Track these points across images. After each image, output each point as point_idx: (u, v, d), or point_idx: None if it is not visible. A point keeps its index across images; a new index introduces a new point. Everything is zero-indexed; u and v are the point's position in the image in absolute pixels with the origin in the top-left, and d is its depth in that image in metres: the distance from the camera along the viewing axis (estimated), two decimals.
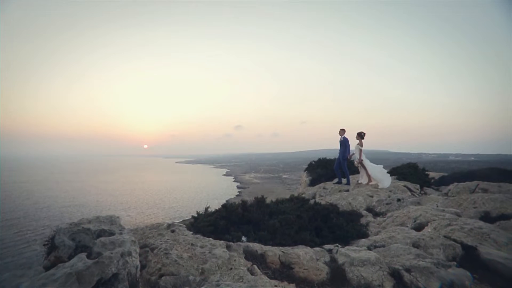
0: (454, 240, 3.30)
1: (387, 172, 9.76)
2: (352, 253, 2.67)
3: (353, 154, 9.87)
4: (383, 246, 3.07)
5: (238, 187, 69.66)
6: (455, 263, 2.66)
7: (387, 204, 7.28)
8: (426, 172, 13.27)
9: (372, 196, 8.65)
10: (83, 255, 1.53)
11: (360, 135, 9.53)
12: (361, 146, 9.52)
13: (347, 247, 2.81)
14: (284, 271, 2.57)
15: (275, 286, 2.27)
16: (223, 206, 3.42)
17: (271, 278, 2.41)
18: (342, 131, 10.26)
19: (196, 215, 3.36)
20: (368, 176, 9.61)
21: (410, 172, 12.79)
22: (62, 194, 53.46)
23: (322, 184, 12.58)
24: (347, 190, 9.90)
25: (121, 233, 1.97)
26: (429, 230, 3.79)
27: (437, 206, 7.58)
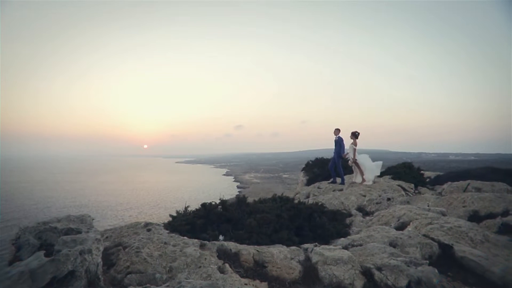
0: (432, 239, 3.33)
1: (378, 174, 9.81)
2: (326, 252, 2.69)
3: (348, 153, 9.90)
4: (361, 245, 3.10)
5: (238, 187, 69.66)
6: (427, 261, 2.68)
7: (377, 203, 7.31)
8: (421, 172, 13.27)
9: (364, 196, 8.67)
10: (41, 253, 1.56)
11: (354, 135, 9.56)
12: (355, 145, 9.54)
13: (322, 246, 2.84)
14: (257, 269, 2.60)
15: (245, 284, 2.30)
16: (202, 205, 3.45)
17: (242, 277, 2.44)
18: (337, 131, 10.29)
19: (175, 215, 3.39)
20: (362, 175, 9.64)
21: (405, 171, 12.78)
22: (63, 195, 53.52)
23: (317, 184, 12.61)
24: (341, 190, 9.93)
25: (87, 232, 2.00)
26: (410, 229, 3.81)
27: (428, 206, 7.61)
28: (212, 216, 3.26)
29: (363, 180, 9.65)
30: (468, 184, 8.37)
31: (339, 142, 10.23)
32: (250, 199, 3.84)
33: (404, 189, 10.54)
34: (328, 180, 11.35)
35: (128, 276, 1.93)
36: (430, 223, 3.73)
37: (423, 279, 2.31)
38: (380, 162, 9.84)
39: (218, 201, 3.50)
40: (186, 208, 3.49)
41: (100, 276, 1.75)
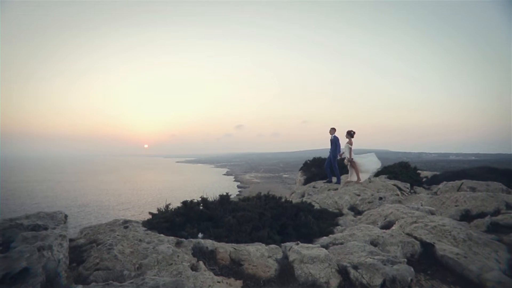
0: (415, 238, 3.30)
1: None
2: (304, 251, 2.67)
3: (343, 152, 9.86)
4: (342, 243, 3.07)
5: (238, 187, 69.63)
6: (405, 260, 2.66)
7: (369, 202, 7.29)
8: (418, 171, 13.24)
9: (358, 195, 8.65)
10: None
11: (350, 134, 9.52)
12: (351, 144, 9.50)
13: (301, 244, 2.82)
14: (233, 267, 2.58)
15: (218, 282, 2.28)
16: (183, 202, 3.44)
17: (217, 275, 2.42)
18: (333, 130, 10.27)
19: (156, 212, 3.37)
20: (358, 175, 9.62)
21: (401, 171, 12.74)
22: (64, 194, 53.60)
23: (312, 183, 12.59)
24: (336, 189, 9.90)
25: (54, 228, 1.98)
26: (395, 227, 3.79)
27: (422, 205, 7.59)
28: (192, 214, 3.25)
29: (358, 179, 9.62)
30: (462, 184, 8.34)
31: (335, 142, 10.21)
32: None
33: (400, 189, 10.51)
34: (326, 179, 11.33)
35: (95, 273, 1.92)
36: (415, 222, 3.70)
37: (398, 277, 2.29)
38: (373, 153, 9.80)
39: (198, 199, 3.49)
40: (167, 206, 3.48)
41: (61, 273, 1.73)
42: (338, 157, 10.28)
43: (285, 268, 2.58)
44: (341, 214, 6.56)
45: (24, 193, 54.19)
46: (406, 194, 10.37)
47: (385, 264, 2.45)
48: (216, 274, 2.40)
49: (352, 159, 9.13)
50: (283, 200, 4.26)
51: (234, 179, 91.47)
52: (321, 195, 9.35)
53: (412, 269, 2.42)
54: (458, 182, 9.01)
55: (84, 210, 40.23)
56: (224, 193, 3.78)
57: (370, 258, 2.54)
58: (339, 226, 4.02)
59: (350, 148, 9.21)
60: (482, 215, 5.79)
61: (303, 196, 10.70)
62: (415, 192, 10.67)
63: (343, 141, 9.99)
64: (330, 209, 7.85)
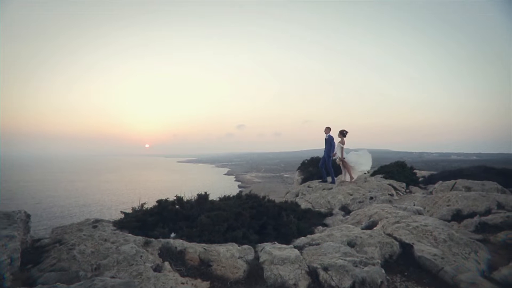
0: (395, 238, 3.23)
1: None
2: (276, 251, 2.60)
3: (336, 152, 9.78)
4: (318, 244, 3.00)
5: (239, 187, 69.59)
6: (379, 261, 2.58)
7: (359, 202, 7.22)
8: (414, 171, 13.14)
9: (352, 195, 8.57)
10: None
11: (342, 133, 9.44)
12: (343, 144, 9.42)
13: (273, 245, 2.75)
14: (201, 268, 2.51)
15: (182, 283, 2.22)
16: (157, 201, 3.37)
17: (183, 276, 2.35)
18: (328, 129, 10.19)
19: (129, 211, 3.32)
20: (350, 174, 9.54)
21: (398, 170, 12.66)
22: (65, 194, 53.67)
23: (308, 183, 12.52)
24: (331, 189, 9.83)
25: (5, 228, 1.93)
26: (378, 228, 3.71)
27: (414, 205, 7.52)
28: (166, 213, 3.19)
29: (351, 178, 9.54)
30: (455, 183, 8.26)
31: (329, 141, 10.12)
32: None
33: (395, 188, 10.43)
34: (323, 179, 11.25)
35: (47, 274, 1.86)
36: (397, 222, 3.63)
37: (368, 279, 2.22)
38: (365, 150, 9.72)
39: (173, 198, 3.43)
40: (142, 205, 3.42)
41: (5, 275, 1.67)
42: (333, 157, 10.20)
43: (255, 269, 2.51)
44: (331, 214, 6.49)
45: (26, 192, 54.33)
46: (402, 194, 10.29)
47: (356, 266, 2.38)
48: (182, 275, 2.33)
49: (344, 158, 9.05)
50: (266, 199, 4.19)
51: (235, 179, 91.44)
52: (314, 195, 9.28)
53: (383, 271, 2.35)
54: (452, 182, 8.93)
55: (85, 210, 40.25)
56: (203, 192, 3.72)
57: (342, 259, 2.46)
58: (320, 227, 3.95)
59: (342, 148, 9.12)
60: (473, 214, 5.71)
61: (297, 195, 10.63)
62: (410, 192, 10.58)
63: (337, 141, 9.91)
64: (323, 209, 7.78)
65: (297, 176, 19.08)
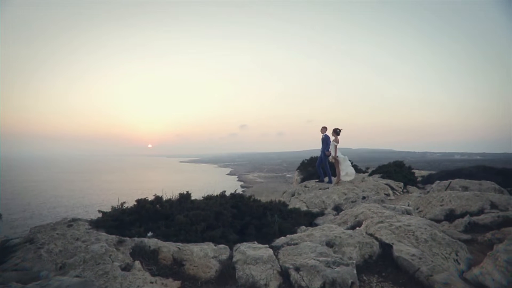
0: (376, 238, 3.19)
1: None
2: (250, 251, 2.58)
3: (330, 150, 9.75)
4: (296, 244, 2.96)
5: (241, 187, 69.60)
6: (353, 262, 2.54)
7: (352, 202, 7.17)
8: (412, 171, 13.04)
9: (346, 194, 8.54)
10: None
11: (336, 132, 9.39)
12: (337, 142, 9.37)
13: (249, 244, 2.72)
14: (174, 268, 2.49)
15: (151, 283, 2.20)
16: (137, 201, 3.36)
17: (154, 275, 2.34)
18: (324, 129, 10.16)
19: (107, 211, 3.31)
20: (338, 174, 9.52)
21: (395, 170, 12.56)
22: (68, 194, 53.96)
23: (305, 182, 12.50)
24: (327, 188, 9.80)
25: None
26: (362, 227, 3.67)
27: (408, 205, 7.46)
28: (144, 212, 3.17)
29: (338, 178, 9.54)
30: (450, 183, 8.18)
31: (325, 141, 10.10)
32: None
33: (392, 188, 10.36)
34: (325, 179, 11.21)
35: (7, 274, 1.85)
36: (381, 222, 3.58)
37: (338, 280, 2.18)
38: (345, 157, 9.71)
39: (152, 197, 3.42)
40: (122, 204, 3.41)
41: None
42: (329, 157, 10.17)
43: (227, 269, 2.49)
44: (322, 214, 6.44)
45: (30, 192, 54.73)
46: (399, 194, 10.22)
47: (329, 266, 2.35)
48: (152, 275, 2.31)
49: (337, 157, 9.00)
50: (251, 199, 4.17)
51: (237, 179, 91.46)
52: (309, 195, 9.25)
53: (354, 272, 2.31)
54: (448, 181, 8.86)
55: (90, 210, 40.40)
56: (185, 192, 3.70)
57: (314, 259, 2.43)
58: (303, 226, 3.91)
59: (336, 146, 9.08)
60: (466, 214, 5.65)
61: (293, 195, 10.61)
62: (408, 192, 10.50)
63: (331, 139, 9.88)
64: (316, 209, 7.75)
65: (296, 176, 19.05)
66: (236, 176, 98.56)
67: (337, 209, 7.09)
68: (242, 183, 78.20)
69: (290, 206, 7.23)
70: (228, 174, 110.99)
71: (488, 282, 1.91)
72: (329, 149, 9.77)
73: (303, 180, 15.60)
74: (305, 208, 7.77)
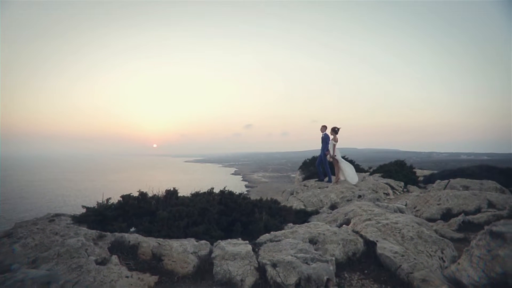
0: (361, 236, 3.15)
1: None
2: (229, 247, 2.56)
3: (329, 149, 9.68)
4: (279, 240, 2.94)
5: (246, 186, 69.54)
6: (333, 258, 2.51)
7: (348, 200, 7.11)
8: (414, 170, 12.91)
9: (343, 193, 8.48)
10: None
11: (334, 130, 9.32)
12: (335, 141, 9.31)
13: (229, 240, 2.71)
14: (152, 262, 2.49)
15: (126, 277, 2.20)
16: (122, 196, 3.37)
17: (131, 270, 2.33)
18: (324, 128, 10.10)
19: (91, 206, 3.32)
20: (337, 174, 9.44)
21: (396, 169, 12.45)
22: (75, 193, 54.56)
23: (304, 182, 12.46)
24: (326, 187, 9.74)
25: None
26: (350, 225, 3.63)
27: (406, 204, 7.39)
28: (128, 208, 3.18)
29: (337, 178, 9.45)
30: (449, 182, 8.07)
31: (325, 140, 10.03)
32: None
33: (392, 187, 10.28)
34: (325, 178, 11.16)
35: None
36: (369, 220, 3.53)
37: (313, 276, 2.15)
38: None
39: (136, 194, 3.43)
40: (107, 200, 3.42)
41: None
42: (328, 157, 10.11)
43: (205, 264, 2.48)
44: (317, 212, 6.40)
45: (37, 192, 55.46)
46: (399, 193, 10.13)
47: (306, 263, 2.32)
48: (129, 269, 2.31)
49: (335, 155, 8.93)
50: (241, 196, 4.16)
51: (242, 179, 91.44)
52: (306, 193, 9.20)
53: (331, 268, 2.28)
54: (452, 181, 8.75)
55: None
56: (171, 188, 3.71)
57: (292, 256, 2.41)
58: (291, 224, 3.88)
59: (334, 145, 9.01)
60: (462, 213, 5.58)
61: (292, 194, 10.58)
62: (408, 191, 10.41)
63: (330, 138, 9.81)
64: (313, 207, 7.70)
65: (298, 175, 18.98)
66: (241, 176, 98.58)
67: (333, 207, 7.04)
68: (246, 182, 78.19)
69: (288, 205, 7.21)
70: (232, 173, 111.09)
71: (464, 279, 1.86)
72: (328, 148, 9.71)
73: (304, 180, 15.56)
74: (302, 207, 7.74)
